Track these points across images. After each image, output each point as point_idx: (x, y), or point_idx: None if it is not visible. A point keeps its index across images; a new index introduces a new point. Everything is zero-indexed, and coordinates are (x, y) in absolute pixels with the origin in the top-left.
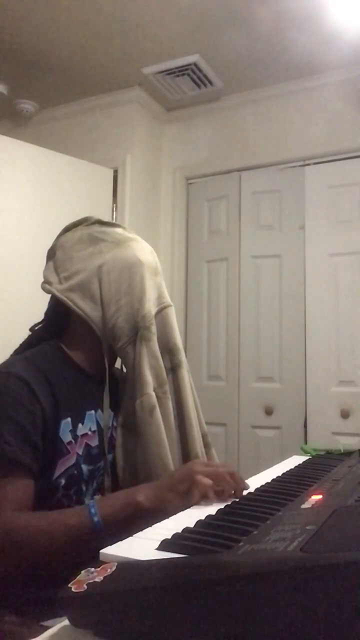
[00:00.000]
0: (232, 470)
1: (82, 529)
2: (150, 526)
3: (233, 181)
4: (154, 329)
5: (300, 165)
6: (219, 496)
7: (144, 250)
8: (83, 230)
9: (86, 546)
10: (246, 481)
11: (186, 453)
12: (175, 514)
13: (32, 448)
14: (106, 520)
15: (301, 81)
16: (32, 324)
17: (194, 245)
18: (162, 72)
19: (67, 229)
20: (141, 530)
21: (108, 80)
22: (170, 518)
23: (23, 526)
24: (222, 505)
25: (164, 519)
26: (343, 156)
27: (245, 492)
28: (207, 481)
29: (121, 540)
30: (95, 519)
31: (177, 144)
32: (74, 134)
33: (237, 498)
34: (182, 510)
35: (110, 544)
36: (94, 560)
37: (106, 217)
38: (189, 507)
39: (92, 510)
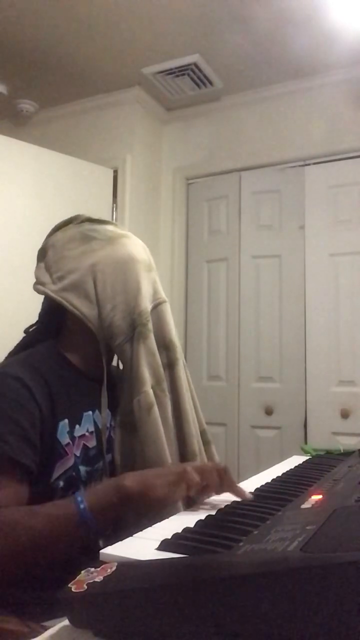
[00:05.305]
0: (220, 467)
1: (68, 517)
2: (151, 526)
3: (233, 181)
4: (150, 325)
5: (300, 165)
6: (204, 492)
7: (136, 247)
8: (74, 229)
9: (73, 538)
10: (246, 481)
11: (184, 451)
12: (160, 504)
13: (31, 448)
14: (92, 507)
15: (301, 81)
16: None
17: (194, 245)
18: (162, 72)
19: (57, 228)
20: (131, 523)
21: (108, 80)
22: (170, 518)
23: (3, 521)
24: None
25: (151, 508)
26: (343, 156)
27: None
28: (196, 477)
29: (118, 539)
30: (82, 506)
31: (177, 144)
32: (74, 134)
33: (226, 492)
34: (167, 502)
35: (98, 539)
36: (94, 560)
37: (106, 217)
38: (174, 501)
39: (79, 499)
